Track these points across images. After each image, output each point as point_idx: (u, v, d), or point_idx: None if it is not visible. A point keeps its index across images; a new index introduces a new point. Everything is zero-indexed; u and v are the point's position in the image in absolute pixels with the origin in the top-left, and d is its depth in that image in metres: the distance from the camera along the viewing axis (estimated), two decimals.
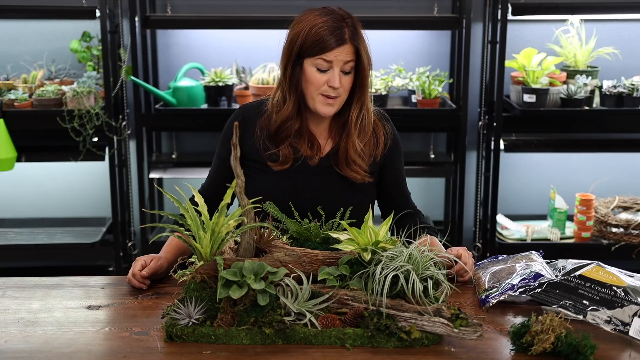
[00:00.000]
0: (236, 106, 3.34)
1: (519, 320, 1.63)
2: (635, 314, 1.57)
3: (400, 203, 2.10)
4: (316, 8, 1.96)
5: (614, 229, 3.32)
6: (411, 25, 3.41)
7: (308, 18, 1.93)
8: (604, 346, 1.51)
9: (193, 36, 3.53)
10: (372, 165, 2.05)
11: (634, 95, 3.22)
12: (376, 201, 2.15)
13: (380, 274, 1.54)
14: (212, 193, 2.03)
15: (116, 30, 3.27)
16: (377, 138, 2.05)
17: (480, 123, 3.40)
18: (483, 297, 1.74)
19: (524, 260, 1.84)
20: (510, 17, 3.19)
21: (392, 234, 1.74)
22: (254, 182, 2.00)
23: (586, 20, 3.40)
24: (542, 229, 3.44)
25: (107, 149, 3.29)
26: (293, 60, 1.95)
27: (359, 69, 1.94)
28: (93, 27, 3.33)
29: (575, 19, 3.37)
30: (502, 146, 3.35)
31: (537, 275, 1.72)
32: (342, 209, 1.83)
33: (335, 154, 2.02)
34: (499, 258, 1.93)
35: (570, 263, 1.77)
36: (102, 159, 3.30)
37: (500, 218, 3.50)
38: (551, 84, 3.25)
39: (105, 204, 3.47)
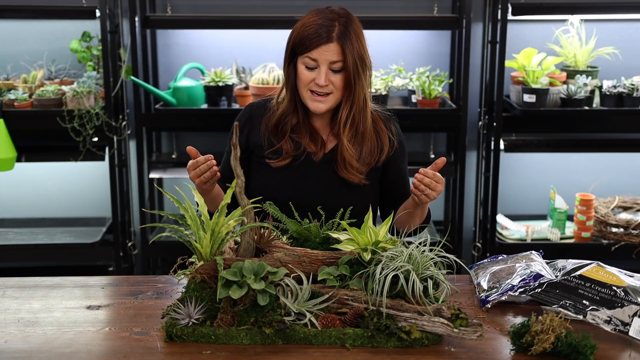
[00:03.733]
0: (236, 106, 3.34)
1: (519, 320, 1.63)
2: (635, 314, 1.57)
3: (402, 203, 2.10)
4: (319, 8, 1.97)
5: (614, 229, 3.32)
6: (411, 25, 3.41)
7: (304, 17, 1.97)
8: (604, 346, 1.51)
9: (193, 36, 3.53)
10: (374, 169, 2.05)
11: (634, 95, 3.22)
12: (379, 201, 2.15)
13: (380, 274, 1.54)
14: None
15: (116, 30, 3.26)
16: (381, 145, 2.05)
17: (480, 123, 3.40)
18: (483, 297, 1.74)
19: (524, 260, 1.84)
20: (510, 17, 3.19)
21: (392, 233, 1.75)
22: (260, 176, 2.02)
23: (586, 20, 3.40)
24: (542, 229, 3.44)
25: (107, 149, 3.29)
26: (289, 58, 1.99)
27: (346, 68, 1.93)
28: (93, 27, 3.33)
29: (575, 19, 3.37)
30: (502, 146, 3.35)
31: (537, 276, 1.72)
32: (342, 209, 1.83)
33: (336, 152, 2.03)
34: (499, 258, 1.93)
35: (570, 263, 1.77)
36: (102, 159, 3.30)
37: (500, 218, 3.50)
38: (551, 84, 3.25)
39: (105, 204, 3.47)
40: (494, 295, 1.73)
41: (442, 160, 1.86)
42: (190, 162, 1.87)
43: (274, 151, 2.03)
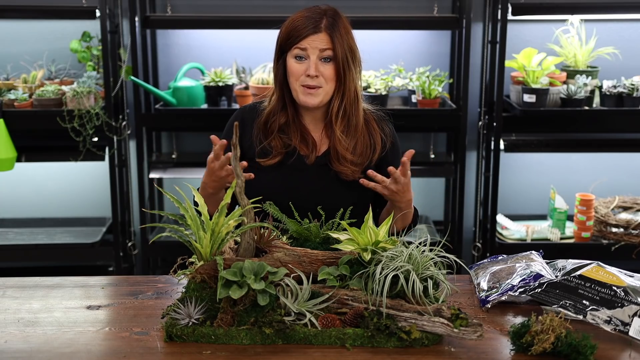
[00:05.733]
0: (236, 106, 3.34)
1: (519, 320, 1.63)
2: (635, 314, 1.57)
3: None
4: (308, 7, 2.00)
5: (614, 229, 3.32)
6: (411, 25, 3.41)
7: (292, 16, 2.00)
8: (604, 346, 1.51)
9: (193, 36, 3.53)
10: (367, 168, 2.04)
11: (634, 95, 3.22)
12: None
13: (380, 274, 1.54)
14: None
15: (116, 30, 3.26)
16: (374, 144, 2.05)
17: (480, 123, 3.40)
18: (483, 297, 1.74)
19: (524, 260, 1.84)
20: (510, 17, 3.19)
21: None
22: (253, 180, 2.01)
23: (586, 20, 3.40)
24: (542, 229, 3.44)
25: (107, 149, 3.29)
26: (278, 55, 2.02)
27: (336, 58, 1.95)
28: (93, 27, 3.33)
29: (575, 19, 3.37)
30: (502, 146, 3.35)
31: (537, 276, 1.72)
32: (341, 209, 1.83)
33: (329, 152, 2.03)
34: (499, 258, 1.93)
35: (570, 263, 1.77)
36: (102, 159, 3.30)
37: (500, 218, 3.50)
38: (551, 84, 3.25)
39: (105, 204, 3.47)
40: (494, 295, 1.73)
41: (409, 152, 1.84)
42: (216, 155, 1.86)
43: (264, 150, 2.04)
